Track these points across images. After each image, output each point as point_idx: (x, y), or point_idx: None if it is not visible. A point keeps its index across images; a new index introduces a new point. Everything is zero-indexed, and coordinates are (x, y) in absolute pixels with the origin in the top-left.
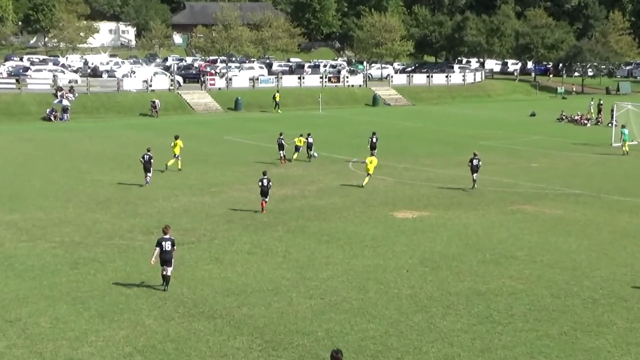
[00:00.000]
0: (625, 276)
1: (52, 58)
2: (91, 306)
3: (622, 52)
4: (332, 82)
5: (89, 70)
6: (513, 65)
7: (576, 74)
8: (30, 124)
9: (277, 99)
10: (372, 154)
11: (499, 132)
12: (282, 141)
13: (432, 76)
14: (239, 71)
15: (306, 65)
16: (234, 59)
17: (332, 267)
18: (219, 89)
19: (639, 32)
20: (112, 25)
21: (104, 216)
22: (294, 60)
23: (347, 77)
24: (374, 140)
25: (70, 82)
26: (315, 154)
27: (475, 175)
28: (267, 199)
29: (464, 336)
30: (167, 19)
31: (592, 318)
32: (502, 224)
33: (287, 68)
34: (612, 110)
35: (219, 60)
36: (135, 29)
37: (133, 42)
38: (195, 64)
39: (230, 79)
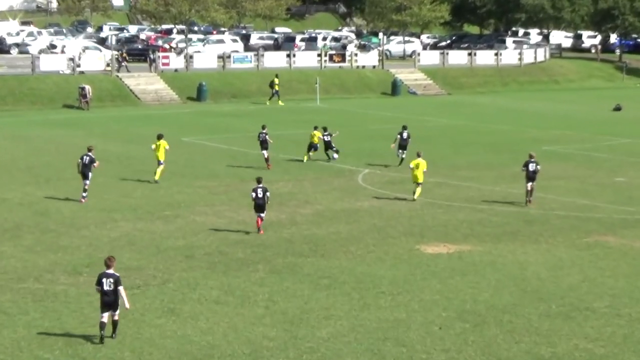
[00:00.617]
0: None
1: None
2: None
3: None
4: (334, 61)
5: None
6: (590, 39)
7: None
8: None
9: (277, 87)
10: (418, 155)
11: (570, 133)
12: (267, 137)
13: (475, 54)
14: (204, 46)
15: (298, 37)
16: (196, 28)
17: (335, 323)
18: (175, 70)
19: None
20: None
21: (11, 250)
22: (281, 30)
23: (356, 55)
24: (405, 136)
25: None
26: (336, 155)
27: (530, 184)
28: (263, 215)
29: None
30: None
31: None
32: (574, 263)
33: (271, 42)
34: None
35: (174, 31)
36: None
37: (54, 5)
38: (142, 36)
39: (191, 57)
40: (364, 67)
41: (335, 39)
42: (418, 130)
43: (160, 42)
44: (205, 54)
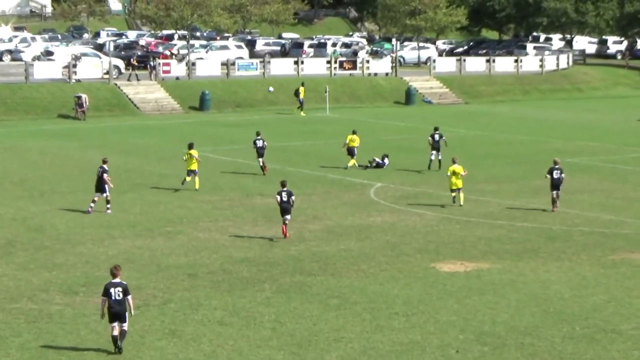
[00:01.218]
0: None
1: None
2: None
3: None
4: (345, 68)
5: None
6: (615, 45)
7: None
8: None
9: (302, 95)
10: (453, 161)
11: (595, 144)
12: (263, 143)
13: (493, 60)
14: (206, 52)
15: (306, 43)
16: (198, 34)
17: (345, 345)
18: (177, 78)
19: None
20: None
21: (3, 268)
22: (288, 35)
23: (368, 62)
24: (437, 138)
25: None
26: (386, 161)
27: (556, 192)
28: (288, 218)
29: None
30: None
31: None
32: (599, 282)
33: (278, 48)
34: None
35: (176, 37)
36: None
37: (49, 9)
38: (141, 42)
39: (194, 64)
40: (376, 74)
41: (346, 45)
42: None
43: (160, 49)
44: (209, 61)
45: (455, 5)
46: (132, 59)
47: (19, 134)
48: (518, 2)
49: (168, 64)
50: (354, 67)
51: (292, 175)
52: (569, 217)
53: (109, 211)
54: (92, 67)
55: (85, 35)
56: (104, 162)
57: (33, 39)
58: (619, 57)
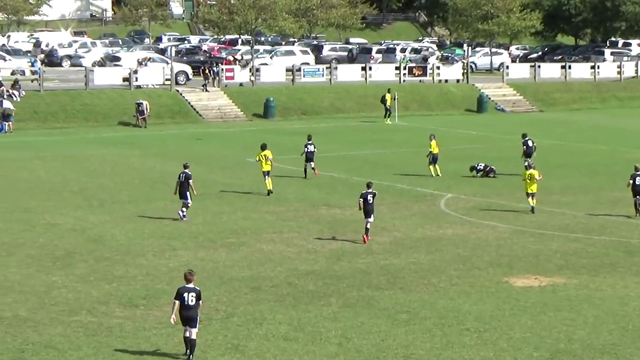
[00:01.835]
0: None
1: None
2: None
3: None
4: (414, 75)
5: (42, 56)
6: None
7: None
8: None
9: (389, 102)
10: (528, 166)
11: None
12: (314, 148)
13: (569, 67)
14: (271, 58)
15: (374, 49)
16: (263, 39)
17: None
18: (240, 84)
19: None
20: None
21: (63, 279)
22: (356, 41)
23: (438, 68)
24: (530, 144)
25: (13, 73)
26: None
27: (638, 198)
28: (371, 221)
29: None
30: None
31: None
32: None
33: (345, 53)
34: None
35: (239, 42)
36: None
37: (109, 14)
38: (204, 47)
39: (258, 70)
40: (446, 81)
41: (416, 51)
42: (506, 151)
43: (224, 54)
44: (273, 67)
45: (530, 9)
46: (209, 65)
47: (78, 141)
48: (595, 6)
49: (231, 70)
50: (424, 74)
51: (359, 185)
52: None
53: (185, 218)
54: (154, 73)
55: (147, 40)
56: (185, 167)
57: (93, 44)
58: None
